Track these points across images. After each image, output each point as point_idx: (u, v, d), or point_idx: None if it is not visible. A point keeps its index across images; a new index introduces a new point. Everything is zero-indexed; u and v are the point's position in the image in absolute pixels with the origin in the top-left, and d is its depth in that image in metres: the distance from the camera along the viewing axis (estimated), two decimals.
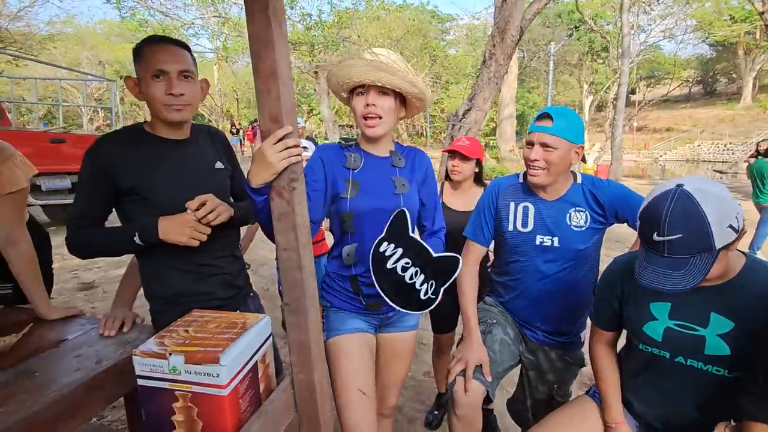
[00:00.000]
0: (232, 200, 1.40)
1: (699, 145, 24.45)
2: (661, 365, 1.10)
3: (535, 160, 1.32)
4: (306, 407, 1.03)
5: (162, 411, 0.89)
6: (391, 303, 1.18)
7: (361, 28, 19.98)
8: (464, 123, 5.38)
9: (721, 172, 17.40)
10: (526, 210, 1.42)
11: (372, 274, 1.17)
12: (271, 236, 1.04)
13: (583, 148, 1.41)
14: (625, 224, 1.41)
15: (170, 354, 0.85)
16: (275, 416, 0.98)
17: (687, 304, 1.06)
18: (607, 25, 22.84)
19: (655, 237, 0.93)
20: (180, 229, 1.11)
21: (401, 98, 1.26)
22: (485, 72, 5.24)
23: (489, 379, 1.34)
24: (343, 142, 1.33)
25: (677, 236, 0.90)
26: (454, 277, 1.18)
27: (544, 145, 1.32)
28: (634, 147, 25.87)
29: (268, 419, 0.95)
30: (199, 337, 0.92)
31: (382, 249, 1.16)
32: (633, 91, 26.82)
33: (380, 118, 1.22)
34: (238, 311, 1.30)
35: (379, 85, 1.17)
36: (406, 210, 1.17)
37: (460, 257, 1.19)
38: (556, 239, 1.38)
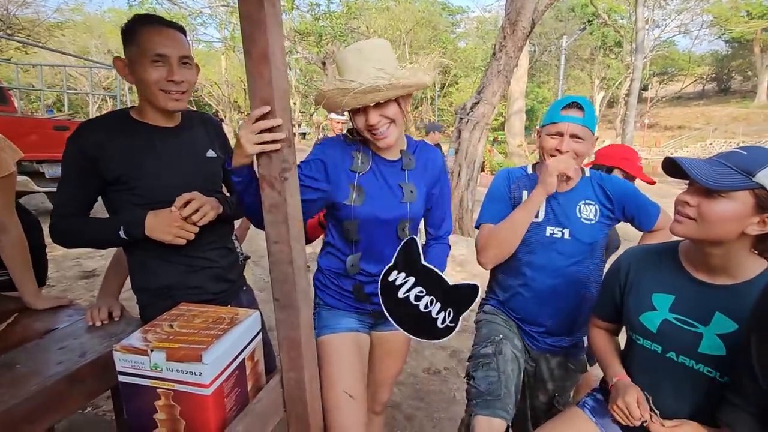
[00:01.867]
0: (224, 190, 1.35)
1: (711, 144, 24.03)
2: (653, 359, 1.07)
3: (567, 151, 1.27)
4: (295, 407, 0.99)
5: (144, 409, 0.85)
6: (405, 333, 1.11)
7: (369, 19, 19.74)
8: (472, 116, 5.28)
9: None
10: None
11: (381, 305, 1.10)
12: (255, 221, 1.00)
13: (597, 139, 1.38)
14: (630, 223, 1.39)
15: (152, 350, 0.81)
16: (262, 415, 0.94)
17: (692, 299, 1.02)
18: (621, 19, 22.38)
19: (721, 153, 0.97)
20: (166, 227, 1.07)
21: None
22: (495, 64, 5.13)
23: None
24: (348, 135, 1.23)
25: (739, 151, 0.93)
26: (473, 304, 1.08)
27: (574, 137, 1.28)
28: (644, 144, 25.52)
29: (255, 418, 0.91)
30: (184, 333, 0.88)
31: (391, 278, 1.08)
32: (645, 88, 26.38)
33: (388, 127, 1.13)
34: (229, 306, 1.27)
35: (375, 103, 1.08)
36: (415, 238, 1.08)
37: (479, 286, 1.07)
38: (566, 231, 1.34)
